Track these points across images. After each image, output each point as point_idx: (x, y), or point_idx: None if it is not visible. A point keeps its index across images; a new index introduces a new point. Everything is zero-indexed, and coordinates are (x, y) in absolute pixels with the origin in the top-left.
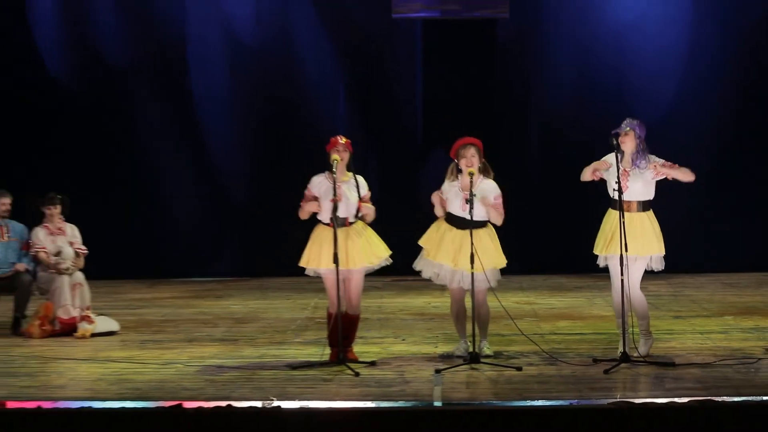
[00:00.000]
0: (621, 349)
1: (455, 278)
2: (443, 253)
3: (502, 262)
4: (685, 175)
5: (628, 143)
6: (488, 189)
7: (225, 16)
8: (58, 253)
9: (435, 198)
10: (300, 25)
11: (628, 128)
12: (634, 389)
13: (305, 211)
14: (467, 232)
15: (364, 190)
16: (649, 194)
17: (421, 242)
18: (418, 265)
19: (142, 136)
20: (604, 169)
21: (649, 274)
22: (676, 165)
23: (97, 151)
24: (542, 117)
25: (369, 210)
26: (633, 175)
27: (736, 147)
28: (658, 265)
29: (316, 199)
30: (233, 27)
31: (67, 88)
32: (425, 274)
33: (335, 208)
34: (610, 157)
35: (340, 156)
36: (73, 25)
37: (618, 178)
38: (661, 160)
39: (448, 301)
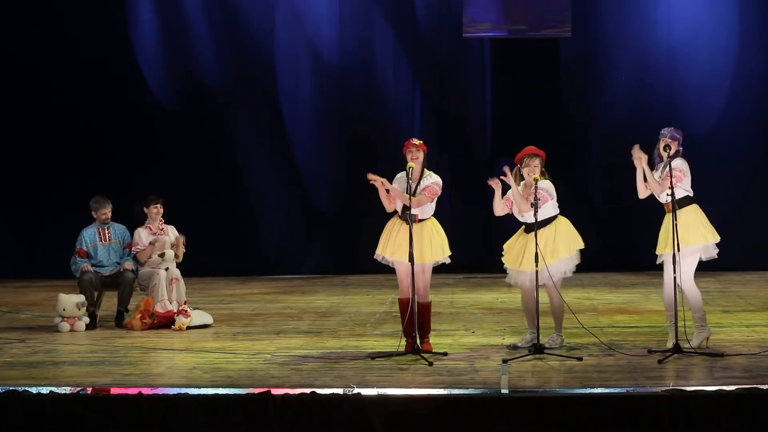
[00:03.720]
0: (673, 340)
1: (523, 278)
2: (511, 259)
3: (564, 253)
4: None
5: (674, 149)
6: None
7: (310, 38)
8: (162, 254)
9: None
10: (379, 46)
11: (671, 136)
12: (685, 378)
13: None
14: (532, 234)
15: (425, 183)
16: (679, 193)
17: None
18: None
19: (236, 148)
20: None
21: (698, 271)
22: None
23: (195, 161)
24: (601, 128)
25: (406, 199)
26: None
27: None
28: (708, 255)
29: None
30: (318, 48)
31: (170, 107)
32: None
33: (408, 206)
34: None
35: (413, 156)
36: (172, 49)
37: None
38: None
39: (514, 297)
